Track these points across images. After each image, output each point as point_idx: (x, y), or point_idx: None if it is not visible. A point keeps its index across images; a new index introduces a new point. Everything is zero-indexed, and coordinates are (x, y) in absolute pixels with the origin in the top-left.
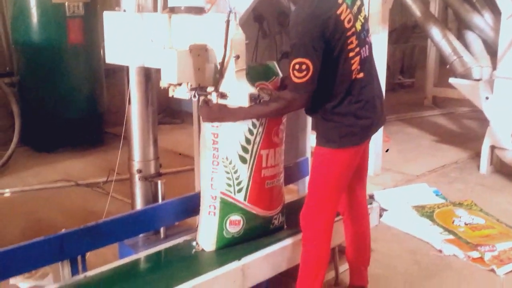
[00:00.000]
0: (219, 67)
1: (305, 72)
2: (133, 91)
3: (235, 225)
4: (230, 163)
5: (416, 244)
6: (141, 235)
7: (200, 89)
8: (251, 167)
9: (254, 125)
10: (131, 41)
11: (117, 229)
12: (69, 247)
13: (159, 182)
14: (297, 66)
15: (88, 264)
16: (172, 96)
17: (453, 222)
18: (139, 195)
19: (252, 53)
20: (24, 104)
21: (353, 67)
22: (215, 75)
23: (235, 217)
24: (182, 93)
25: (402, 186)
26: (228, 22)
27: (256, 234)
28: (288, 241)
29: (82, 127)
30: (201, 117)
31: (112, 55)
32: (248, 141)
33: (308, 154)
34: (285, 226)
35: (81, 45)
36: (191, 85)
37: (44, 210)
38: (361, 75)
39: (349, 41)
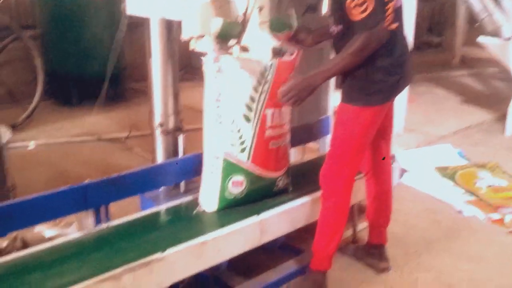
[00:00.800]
0: (242, 19)
1: (365, 5)
2: (154, 43)
3: (237, 185)
4: (233, 121)
5: (437, 204)
6: (162, 188)
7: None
8: (255, 127)
9: (259, 82)
10: None
11: (139, 181)
12: (93, 197)
13: (180, 136)
14: (352, 4)
15: (111, 216)
16: (193, 50)
17: (475, 184)
18: (160, 149)
19: (276, 6)
20: (47, 58)
21: (389, 12)
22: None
23: (238, 177)
24: (204, 45)
25: (425, 147)
26: None
27: (259, 196)
28: (307, 198)
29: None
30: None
31: (134, 6)
32: (252, 99)
33: (330, 113)
34: (291, 188)
35: None
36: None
37: (68, 163)
38: (394, 26)
39: None
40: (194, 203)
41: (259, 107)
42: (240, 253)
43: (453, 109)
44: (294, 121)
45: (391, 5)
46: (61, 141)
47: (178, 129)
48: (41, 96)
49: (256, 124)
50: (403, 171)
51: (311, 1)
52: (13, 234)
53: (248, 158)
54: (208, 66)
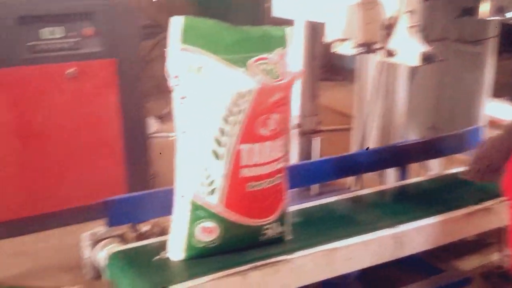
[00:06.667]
0: (389, 22)
1: None
2: (298, 45)
3: (208, 233)
4: (202, 157)
5: None
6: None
7: (366, 45)
8: (227, 165)
9: (230, 111)
10: None
11: None
12: None
13: (316, 138)
14: None
15: None
16: (335, 51)
17: None
18: (296, 150)
19: (427, 10)
20: None
21: None
22: (383, 31)
23: (208, 223)
24: (346, 49)
25: None
26: None
27: (240, 246)
28: (453, 213)
29: None
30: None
31: (279, 8)
32: (222, 131)
33: (482, 123)
34: (288, 237)
35: None
36: (357, 42)
37: None
38: None
39: None
40: (327, 206)
41: (232, 142)
42: (372, 264)
43: None
44: (442, 129)
45: None
46: None
47: (315, 130)
48: None
49: (229, 161)
50: None
51: (468, 3)
52: (153, 220)
53: (221, 202)
54: (173, 90)
